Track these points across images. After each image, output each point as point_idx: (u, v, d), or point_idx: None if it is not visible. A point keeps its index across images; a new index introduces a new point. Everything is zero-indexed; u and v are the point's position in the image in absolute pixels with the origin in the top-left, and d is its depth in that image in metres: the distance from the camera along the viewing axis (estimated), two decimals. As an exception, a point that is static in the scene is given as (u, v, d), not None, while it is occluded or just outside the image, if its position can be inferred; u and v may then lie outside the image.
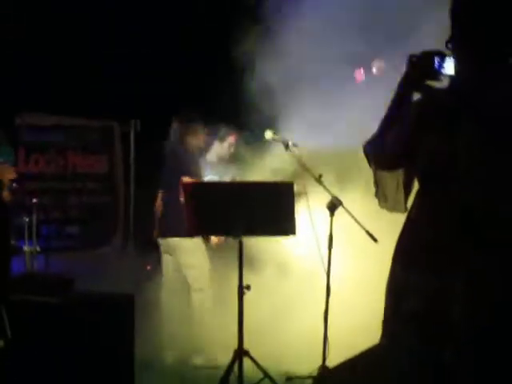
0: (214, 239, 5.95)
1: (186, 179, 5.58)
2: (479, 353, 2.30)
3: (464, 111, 2.34)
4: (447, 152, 2.35)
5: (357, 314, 5.30)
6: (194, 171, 5.81)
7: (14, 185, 5.96)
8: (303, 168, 5.12)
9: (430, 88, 2.42)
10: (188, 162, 5.87)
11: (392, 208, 2.57)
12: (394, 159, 2.47)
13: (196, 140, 5.99)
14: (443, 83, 2.44)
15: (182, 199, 5.01)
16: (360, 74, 5.79)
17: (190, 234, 5.19)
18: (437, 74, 2.38)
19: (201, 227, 4.90)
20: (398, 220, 2.53)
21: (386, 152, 2.45)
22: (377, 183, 2.56)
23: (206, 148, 6.30)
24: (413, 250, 2.39)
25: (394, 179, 2.52)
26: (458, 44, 2.42)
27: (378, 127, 2.48)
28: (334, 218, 4.82)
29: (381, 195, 2.57)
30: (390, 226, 2.74)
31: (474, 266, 2.29)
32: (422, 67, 2.39)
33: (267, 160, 6.02)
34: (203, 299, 5.75)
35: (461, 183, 2.33)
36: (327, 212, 4.79)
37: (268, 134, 5.29)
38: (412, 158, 2.43)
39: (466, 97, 2.37)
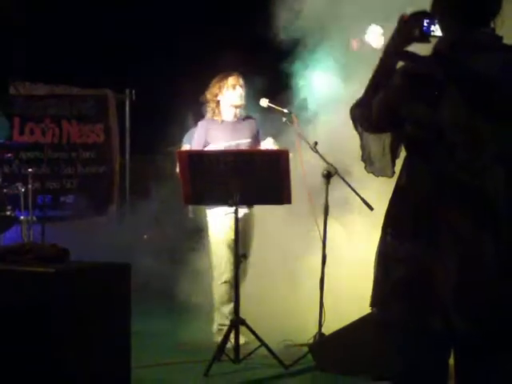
0: None
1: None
2: (470, 322, 2.29)
3: (448, 80, 2.30)
4: (433, 121, 2.31)
5: (354, 282, 5.29)
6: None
7: (9, 155, 5.94)
8: (298, 136, 5.07)
9: (416, 55, 2.38)
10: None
11: (379, 172, 2.54)
12: (380, 124, 2.44)
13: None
14: (430, 46, 2.40)
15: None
16: (356, 43, 5.74)
17: (185, 203, 5.16)
18: (425, 35, 2.34)
19: (196, 197, 4.87)
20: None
21: (372, 116, 2.41)
22: (363, 147, 2.53)
23: None
24: (402, 219, 2.36)
25: (380, 142, 2.49)
26: (440, 8, 2.38)
27: (364, 89, 2.44)
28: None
29: (367, 158, 2.53)
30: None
31: (465, 236, 2.27)
32: (409, 28, 2.35)
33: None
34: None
35: (447, 152, 2.30)
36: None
37: (263, 102, 5.23)
38: (398, 124, 2.39)
39: (450, 65, 2.32)
